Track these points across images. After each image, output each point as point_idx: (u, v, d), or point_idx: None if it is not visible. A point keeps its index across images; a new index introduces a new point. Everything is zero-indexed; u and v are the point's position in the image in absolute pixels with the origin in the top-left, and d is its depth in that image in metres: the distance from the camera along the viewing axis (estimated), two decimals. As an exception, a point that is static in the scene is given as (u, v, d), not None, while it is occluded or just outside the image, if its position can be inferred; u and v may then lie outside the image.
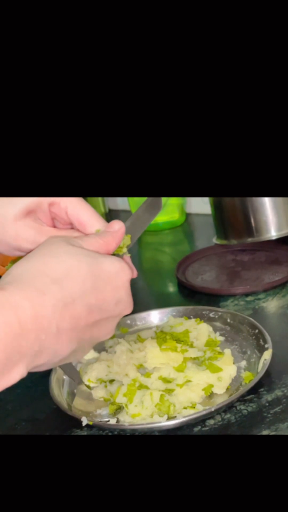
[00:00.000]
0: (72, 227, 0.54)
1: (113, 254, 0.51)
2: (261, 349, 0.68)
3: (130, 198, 1.24)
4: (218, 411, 0.60)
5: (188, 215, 1.28)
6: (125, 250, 0.53)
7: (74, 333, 0.44)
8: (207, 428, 0.60)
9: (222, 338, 0.73)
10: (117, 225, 0.52)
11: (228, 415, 0.61)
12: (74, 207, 0.52)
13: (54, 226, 0.54)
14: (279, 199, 0.97)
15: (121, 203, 1.40)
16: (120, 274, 0.48)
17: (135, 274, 0.52)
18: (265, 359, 0.66)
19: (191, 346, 0.69)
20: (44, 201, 0.52)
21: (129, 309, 0.49)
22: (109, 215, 1.35)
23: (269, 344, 0.68)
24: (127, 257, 0.53)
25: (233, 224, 1.02)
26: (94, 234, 0.51)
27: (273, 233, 0.98)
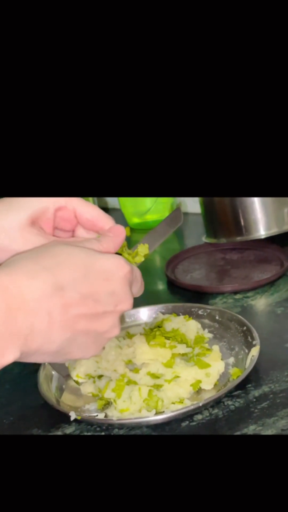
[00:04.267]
0: (73, 235, 0.56)
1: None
2: (249, 346, 0.69)
3: (120, 197, 1.24)
4: (205, 406, 0.61)
5: (178, 214, 1.29)
6: (142, 259, 0.54)
7: (65, 320, 0.44)
8: (194, 423, 0.60)
9: (210, 335, 0.74)
10: (118, 230, 0.53)
11: (215, 410, 0.61)
12: (83, 207, 0.54)
13: (54, 235, 0.55)
14: (268, 199, 0.98)
15: (111, 201, 1.40)
16: (115, 269, 0.48)
17: (141, 287, 0.52)
18: (252, 356, 0.66)
19: (181, 342, 0.69)
20: (50, 207, 0.53)
21: (127, 304, 0.49)
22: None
23: (256, 341, 0.68)
24: (137, 270, 0.53)
25: (223, 223, 1.02)
26: (94, 239, 0.51)
27: (262, 232, 0.99)
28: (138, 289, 0.52)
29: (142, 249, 0.56)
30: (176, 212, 0.66)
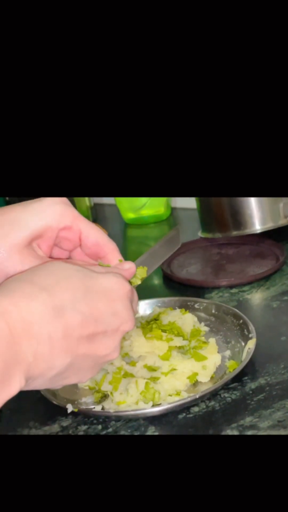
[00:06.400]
0: (70, 256, 0.54)
1: None
2: (245, 339, 0.69)
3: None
4: (202, 399, 0.61)
5: (173, 209, 1.29)
6: (139, 282, 0.53)
7: (67, 343, 0.43)
8: (191, 415, 0.60)
9: (206, 329, 0.74)
10: (128, 265, 0.51)
11: (212, 403, 0.61)
12: (88, 230, 0.51)
13: (50, 256, 0.53)
14: (264, 193, 0.98)
15: (106, 197, 1.40)
16: (115, 287, 0.46)
17: (136, 309, 0.51)
18: (249, 348, 0.67)
19: (177, 335, 0.69)
20: (53, 227, 0.50)
21: (129, 324, 0.47)
22: (94, 209, 1.35)
23: (253, 334, 0.69)
24: (134, 290, 0.51)
25: (218, 217, 1.02)
26: (101, 267, 0.50)
27: (257, 227, 0.99)
28: (135, 310, 0.51)
29: (140, 272, 0.54)
30: (174, 233, 0.65)
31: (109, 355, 0.46)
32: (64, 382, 0.45)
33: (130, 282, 0.53)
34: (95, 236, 0.52)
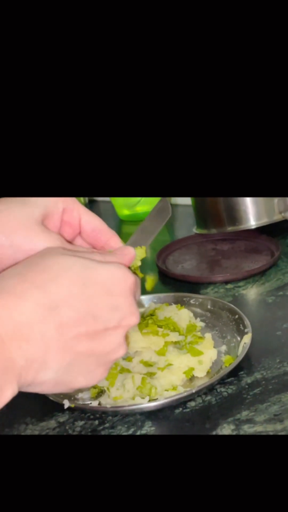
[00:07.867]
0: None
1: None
2: (241, 334, 0.69)
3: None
4: (199, 393, 0.61)
5: (168, 206, 1.29)
6: (139, 263, 0.51)
7: (63, 342, 0.41)
8: (188, 410, 0.60)
9: (202, 324, 0.74)
10: (127, 250, 0.50)
11: (208, 397, 0.62)
12: (88, 216, 0.51)
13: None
14: (259, 189, 0.99)
15: (101, 194, 1.40)
16: (117, 280, 0.44)
17: (139, 295, 0.49)
18: (244, 343, 0.67)
19: (173, 330, 0.70)
20: (59, 206, 0.50)
21: (134, 318, 0.45)
22: (89, 206, 1.35)
23: (248, 329, 0.69)
24: (137, 277, 0.49)
25: (213, 213, 1.03)
26: (97, 252, 0.49)
27: (252, 223, 0.99)
28: (137, 297, 0.48)
29: (139, 252, 0.51)
30: (163, 203, 0.62)
31: (114, 352, 0.44)
32: (72, 385, 0.43)
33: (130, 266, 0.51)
34: (94, 222, 0.51)
